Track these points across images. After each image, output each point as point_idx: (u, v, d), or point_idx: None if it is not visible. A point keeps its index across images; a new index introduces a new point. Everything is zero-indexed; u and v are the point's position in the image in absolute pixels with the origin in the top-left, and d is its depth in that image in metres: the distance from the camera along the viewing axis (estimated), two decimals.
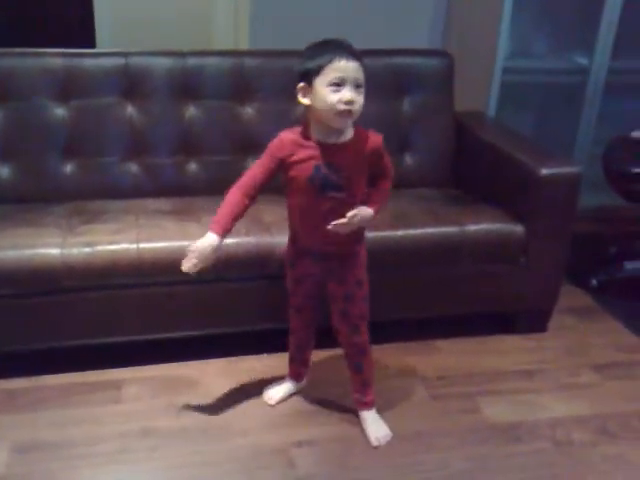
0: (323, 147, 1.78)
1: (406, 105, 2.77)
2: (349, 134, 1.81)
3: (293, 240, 1.96)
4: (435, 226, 2.37)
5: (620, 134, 2.97)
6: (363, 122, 2.75)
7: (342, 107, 1.70)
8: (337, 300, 1.95)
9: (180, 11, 3.37)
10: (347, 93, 1.70)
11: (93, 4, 3.28)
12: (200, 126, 2.58)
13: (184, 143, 2.58)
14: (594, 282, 2.93)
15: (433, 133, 2.81)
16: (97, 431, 2.00)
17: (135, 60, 2.53)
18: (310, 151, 1.78)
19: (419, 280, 2.40)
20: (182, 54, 2.58)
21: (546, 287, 2.53)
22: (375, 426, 2.05)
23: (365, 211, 1.83)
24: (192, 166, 2.59)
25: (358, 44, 2.71)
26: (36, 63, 2.46)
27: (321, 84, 1.71)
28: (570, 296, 2.80)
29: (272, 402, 2.14)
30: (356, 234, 1.88)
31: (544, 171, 2.36)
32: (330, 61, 1.69)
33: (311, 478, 1.89)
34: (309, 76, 1.73)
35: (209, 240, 1.78)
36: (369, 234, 2.29)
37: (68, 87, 2.47)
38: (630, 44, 3.32)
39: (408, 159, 2.79)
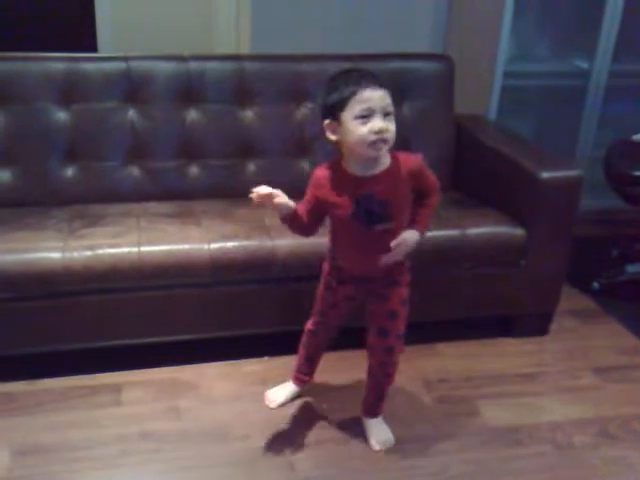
0: (361, 180, 1.72)
1: (407, 109, 2.78)
2: (387, 162, 1.74)
3: (334, 264, 1.89)
4: (436, 229, 2.36)
5: (621, 137, 2.97)
6: None
7: (373, 137, 1.64)
8: (378, 318, 1.90)
9: (181, 15, 3.38)
10: (377, 123, 1.64)
11: (95, 9, 3.29)
12: (201, 130, 2.59)
13: (185, 147, 2.59)
14: (595, 285, 2.93)
15: (434, 137, 2.81)
16: (97, 434, 2.01)
17: (136, 64, 2.54)
18: (348, 187, 1.73)
19: (420, 283, 2.39)
20: (183, 58, 2.59)
21: (547, 290, 2.53)
22: (379, 431, 2.04)
23: (410, 236, 1.79)
24: (193, 170, 2.60)
25: (359, 48, 2.75)
26: (38, 67, 2.47)
27: (348, 118, 1.65)
28: (571, 299, 2.80)
29: (273, 405, 2.13)
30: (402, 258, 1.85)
31: (545, 174, 2.36)
32: (354, 93, 1.64)
33: None
34: (334, 111, 1.67)
35: (279, 191, 1.72)
36: None
37: (70, 91, 2.48)
38: (631, 48, 3.33)
39: None
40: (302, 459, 1.96)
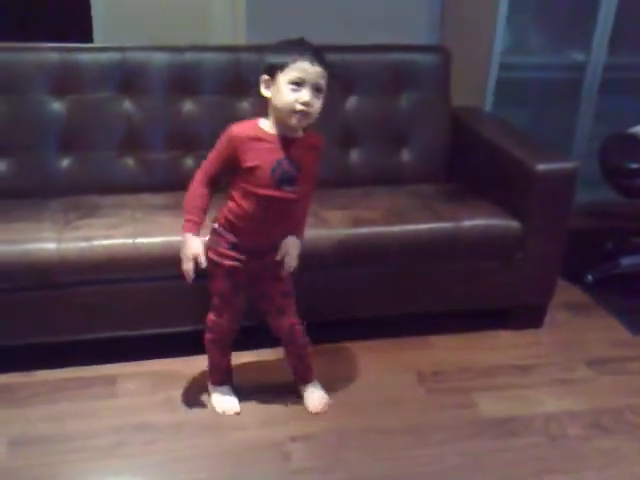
0: (281, 140, 1.82)
1: (403, 101, 2.78)
2: (301, 132, 1.86)
3: (227, 243, 1.91)
4: (431, 222, 2.37)
5: (616, 130, 2.97)
6: (361, 117, 2.76)
7: (299, 107, 1.75)
8: (275, 299, 2.00)
9: (177, 6, 3.37)
10: (305, 94, 1.74)
11: None
12: (197, 121, 2.58)
13: (181, 138, 2.58)
14: (590, 278, 2.94)
15: (430, 129, 2.81)
16: (93, 425, 2.01)
17: (132, 55, 2.53)
18: (271, 144, 1.81)
19: (414, 276, 2.41)
20: (179, 49, 2.58)
21: (542, 283, 2.53)
22: (314, 394, 2.13)
23: (294, 246, 1.94)
24: (188, 161, 2.59)
25: (355, 40, 2.75)
26: (33, 58, 2.46)
27: (283, 81, 1.75)
28: (566, 292, 2.81)
29: (237, 410, 2.10)
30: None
31: (540, 167, 2.36)
32: (295, 60, 1.74)
33: (306, 472, 1.90)
34: (274, 70, 1.77)
35: (194, 243, 1.85)
36: (366, 229, 2.30)
37: (64, 82, 2.47)
38: (627, 40, 3.33)
39: (404, 155, 2.80)
40: (297, 450, 1.97)
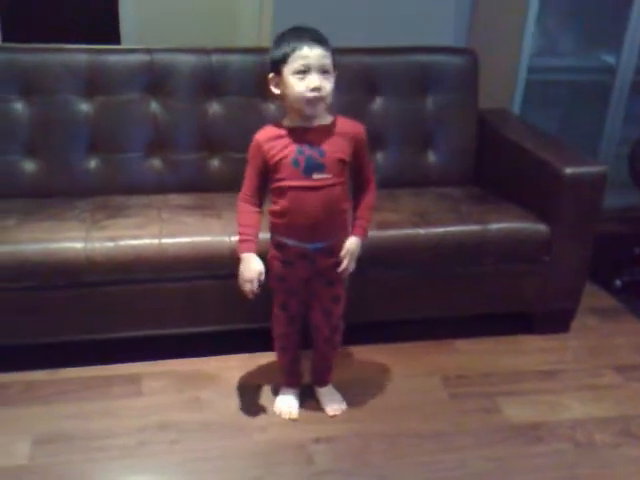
0: (300, 131, 1.81)
1: (430, 103, 2.76)
2: (327, 120, 1.83)
3: (279, 244, 1.91)
4: (457, 225, 2.35)
5: None
6: (387, 119, 2.74)
7: (310, 94, 1.73)
8: (324, 300, 1.97)
9: (204, 8, 3.39)
10: (313, 80, 1.72)
11: (118, 1, 3.30)
12: (223, 123, 2.59)
13: (207, 139, 2.59)
14: (618, 283, 2.90)
15: (456, 131, 2.79)
16: (117, 424, 2.02)
17: (159, 57, 2.54)
18: (288, 138, 1.81)
19: (440, 279, 2.39)
20: (206, 51, 2.59)
21: (569, 287, 2.50)
22: (331, 398, 2.12)
23: (353, 246, 1.90)
24: (214, 162, 2.60)
25: (382, 42, 2.73)
26: (61, 59, 2.48)
27: (288, 73, 1.74)
28: (593, 296, 2.77)
29: (294, 416, 2.09)
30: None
31: (569, 170, 2.33)
32: (294, 49, 1.72)
33: (329, 474, 1.89)
34: (277, 65, 1.77)
35: (254, 263, 1.84)
36: (392, 232, 2.29)
37: (93, 83, 2.49)
38: None
39: (431, 157, 2.78)
40: (321, 452, 1.96)
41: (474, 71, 2.80)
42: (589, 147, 3.29)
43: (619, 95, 3.27)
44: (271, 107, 2.61)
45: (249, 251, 1.85)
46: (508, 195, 2.56)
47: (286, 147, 1.80)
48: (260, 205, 1.89)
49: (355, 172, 1.90)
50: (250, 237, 1.86)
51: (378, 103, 2.72)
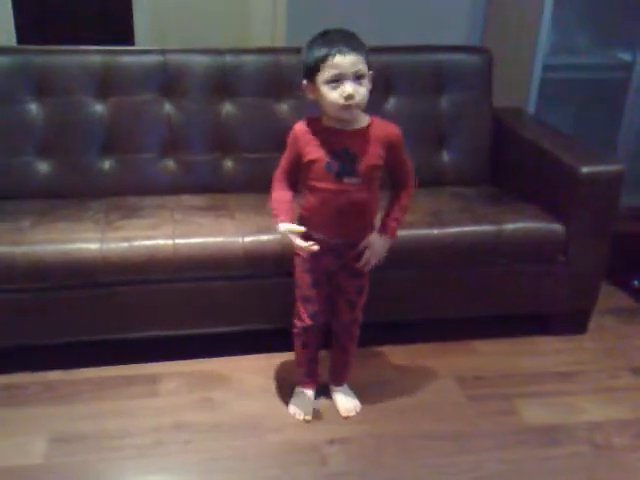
0: (337, 133, 1.80)
1: (444, 102, 2.74)
2: (364, 122, 1.82)
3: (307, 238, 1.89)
4: (472, 225, 2.34)
5: None
6: (401, 118, 2.73)
7: (343, 102, 1.72)
8: (348, 293, 1.98)
9: (218, 8, 3.38)
10: (347, 88, 1.71)
11: (132, 1, 3.30)
12: (236, 123, 2.59)
13: (220, 140, 2.59)
14: (636, 283, 2.87)
15: (471, 130, 2.77)
16: (132, 424, 2.03)
17: (173, 58, 2.55)
18: (325, 139, 1.81)
19: (456, 279, 2.38)
20: (220, 52, 2.59)
21: (586, 287, 2.48)
22: (346, 398, 2.11)
23: (380, 246, 1.91)
24: (228, 163, 2.60)
25: (396, 41, 2.72)
26: (75, 60, 2.49)
27: (321, 82, 1.74)
28: (610, 297, 2.75)
29: (308, 417, 2.08)
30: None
31: (585, 169, 2.31)
32: (325, 58, 1.70)
33: (343, 476, 1.88)
34: (310, 74, 1.76)
35: (284, 226, 1.83)
36: (406, 231, 2.28)
37: (107, 84, 2.50)
38: None
39: (446, 156, 2.76)
40: (334, 454, 1.95)
41: (489, 70, 2.78)
42: (606, 145, 3.25)
43: (635, 93, 3.24)
44: (284, 108, 2.61)
45: (283, 222, 1.83)
46: (523, 194, 2.54)
47: (321, 147, 1.81)
48: (293, 184, 1.90)
49: (391, 172, 1.90)
50: (281, 211, 1.85)
51: (393, 102, 2.70)
